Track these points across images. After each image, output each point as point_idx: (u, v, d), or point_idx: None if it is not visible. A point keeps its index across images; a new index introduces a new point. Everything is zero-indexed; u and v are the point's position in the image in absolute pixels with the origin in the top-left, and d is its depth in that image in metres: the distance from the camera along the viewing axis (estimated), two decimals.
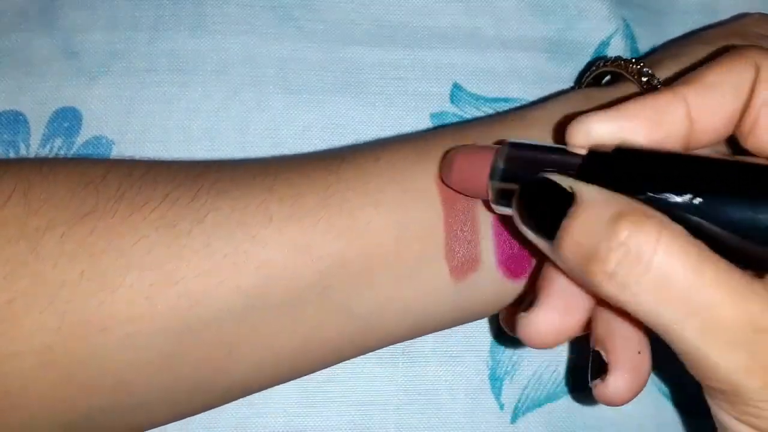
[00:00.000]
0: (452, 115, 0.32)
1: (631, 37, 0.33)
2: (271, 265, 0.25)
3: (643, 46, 0.33)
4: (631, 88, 0.28)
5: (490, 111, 0.32)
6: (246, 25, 0.31)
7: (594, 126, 0.23)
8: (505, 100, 0.32)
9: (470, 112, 0.32)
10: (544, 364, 0.31)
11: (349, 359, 0.28)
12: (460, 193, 0.26)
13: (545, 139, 0.27)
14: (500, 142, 0.25)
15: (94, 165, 0.26)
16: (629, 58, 0.28)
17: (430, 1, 0.33)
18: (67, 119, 0.30)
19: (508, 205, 0.24)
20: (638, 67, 0.28)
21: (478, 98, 0.32)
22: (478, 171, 0.25)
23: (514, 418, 0.30)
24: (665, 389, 0.31)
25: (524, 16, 0.33)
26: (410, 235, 0.26)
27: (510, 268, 0.27)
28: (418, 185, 0.26)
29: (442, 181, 0.26)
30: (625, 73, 0.28)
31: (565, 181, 0.22)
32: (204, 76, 0.31)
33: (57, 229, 0.24)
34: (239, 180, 0.26)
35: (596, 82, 0.30)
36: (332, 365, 0.28)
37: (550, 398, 0.31)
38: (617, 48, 0.33)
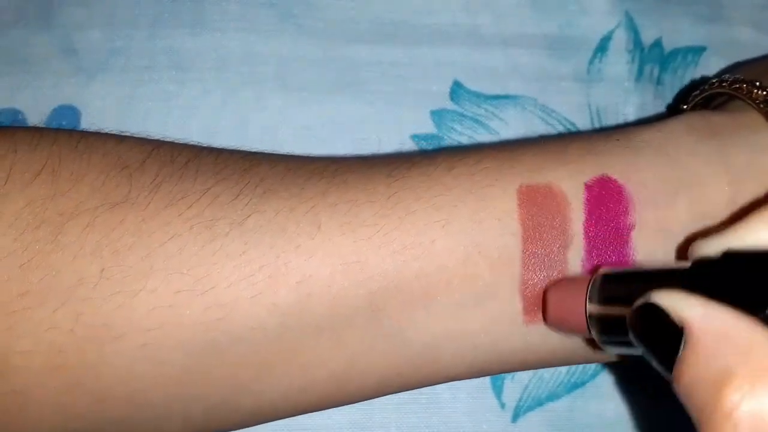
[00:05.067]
0: (452, 112, 0.32)
1: (634, 30, 0.33)
2: (314, 280, 0.22)
3: (647, 39, 0.33)
4: (750, 111, 0.25)
5: (491, 108, 0.32)
6: (245, 23, 0.31)
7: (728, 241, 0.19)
8: (506, 97, 0.32)
9: (471, 109, 0.32)
10: None
11: (393, 393, 0.25)
12: (561, 330, 0.23)
13: (656, 166, 0.24)
14: (594, 271, 0.22)
15: (135, 147, 0.24)
16: (751, 81, 0.25)
17: None
18: (65, 117, 0.30)
19: (615, 342, 0.21)
20: (765, 93, 0.25)
21: (478, 96, 0.32)
22: (574, 307, 0.22)
23: (515, 417, 0.30)
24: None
25: (524, 12, 0.33)
26: (481, 260, 0.23)
27: None
28: (497, 203, 0.23)
29: (544, 319, 0.23)
30: (749, 101, 0.25)
31: (674, 303, 0.18)
32: (203, 73, 0.31)
33: (82, 216, 0.22)
34: (290, 180, 0.24)
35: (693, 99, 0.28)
36: (373, 398, 0.25)
37: (551, 397, 0.30)
38: (620, 43, 0.33)
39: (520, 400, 0.30)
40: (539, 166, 0.24)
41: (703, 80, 0.30)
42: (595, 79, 0.32)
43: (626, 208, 0.24)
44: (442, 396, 0.30)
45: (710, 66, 0.33)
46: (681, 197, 0.24)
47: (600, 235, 0.24)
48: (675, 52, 0.33)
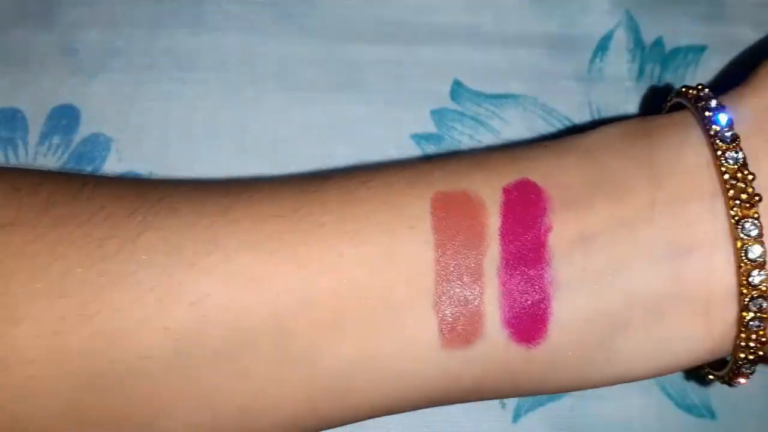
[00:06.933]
0: (453, 111, 0.31)
1: (634, 29, 0.33)
2: (210, 300, 0.20)
3: (648, 38, 0.33)
4: (688, 111, 0.25)
5: (492, 107, 0.32)
6: (245, 22, 0.31)
7: None
8: (507, 96, 0.32)
9: (471, 108, 0.32)
10: None
11: (314, 431, 0.23)
12: None
13: (579, 168, 0.23)
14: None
15: (30, 171, 0.23)
16: (697, 85, 0.25)
17: None
18: (65, 116, 0.30)
19: None
20: (695, 92, 0.24)
21: (479, 95, 0.32)
22: None
23: (516, 417, 0.30)
24: (669, 389, 0.31)
25: (525, 12, 0.32)
26: (394, 273, 0.21)
27: (520, 329, 0.22)
28: (409, 211, 0.22)
29: None
30: (684, 100, 0.25)
31: None
32: (203, 73, 0.31)
33: None
34: (193, 196, 0.22)
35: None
36: None
37: (553, 397, 0.30)
38: (620, 42, 0.33)
39: (520, 400, 0.30)
40: (458, 173, 0.23)
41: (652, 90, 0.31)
42: (595, 79, 0.32)
43: (544, 211, 0.22)
44: None
45: (710, 65, 0.33)
46: (600, 197, 0.23)
47: (517, 241, 0.22)
48: (676, 51, 0.33)
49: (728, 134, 0.23)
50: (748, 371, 0.24)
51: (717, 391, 0.31)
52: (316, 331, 0.21)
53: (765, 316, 0.22)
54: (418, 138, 0.31)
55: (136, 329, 0.20)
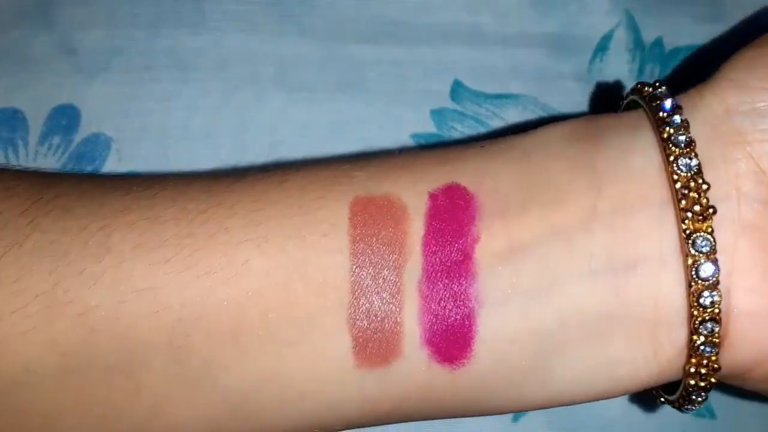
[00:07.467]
0: (452, 111, 0.32)
1: (634, 29, 0.33)
2: (98, 312, 0.19)
3: (648, 38, 0.33)
4: (640, 110, 0.23)
5: (492, 107, 0.32)
6: (246, 23, 0.31)
7: None
8: (507, 96, 0.32)
9: (471, 108, 0.32)
10: None
11: None
12: None
13: (514, 171, 0.21)
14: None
15: None
16: (653, 82, 0.23)
17: None
18: (65, 116, 0.30)
19: None
20: (650, 90, 0.22)
21: (479, 95, 0.32)
22: None
23: (516, 417, 0.30)
24: None
25: (525, 12, 0.32)
26: (303, 284, 0.19)
27: (442, 348, 0.20)
28: (324, 216, 0.20)
29: None
30: (638, 98, 0.23)
31: None
32: (203, 73, 0.31)
33: None
34: (92, 194, 0.21)
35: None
36: None
37: None
38: (620, 42, 0.33)
39: None
40: (381, 176, 0.21)
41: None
42: (595, 79, 0.32)
43: (472, 219, 0.20)
44: None
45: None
46: (533, 203, 0.21)
47: (440, 252, 0.20)
48: (676, 51, 0.33)
49: (682, 138, 0.21)
50: (700, 398, 0.22)
51: (717, 391, 0.31)
52: (215, 346, 0.19)
53: (717, 341, 0.20)
54: (419, 138, 0.31)
55: (19, 340, 0.19)
